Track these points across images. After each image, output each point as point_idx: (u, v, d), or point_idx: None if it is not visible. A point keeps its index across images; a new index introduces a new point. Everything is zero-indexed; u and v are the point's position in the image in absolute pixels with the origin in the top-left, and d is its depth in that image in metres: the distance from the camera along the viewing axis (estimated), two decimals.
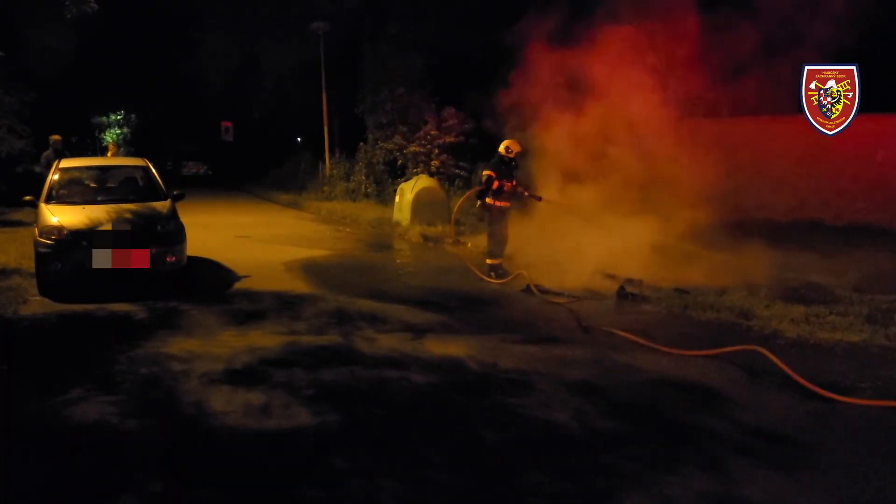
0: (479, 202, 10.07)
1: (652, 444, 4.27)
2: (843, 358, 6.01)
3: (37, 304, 7.91)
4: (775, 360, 5.54)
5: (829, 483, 3.77)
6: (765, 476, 3.83)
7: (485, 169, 10.00)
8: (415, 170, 19.78)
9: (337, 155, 24.00)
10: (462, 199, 10.11)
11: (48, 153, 12.18)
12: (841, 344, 6.34)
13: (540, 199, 10.04)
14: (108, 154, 13.38)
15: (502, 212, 9.83)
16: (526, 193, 10.06)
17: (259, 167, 34.57)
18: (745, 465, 3.96)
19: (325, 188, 22.84)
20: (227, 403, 4.88)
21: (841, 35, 7.86)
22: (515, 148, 9.79)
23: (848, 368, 5.68)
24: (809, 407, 4.86)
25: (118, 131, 36.48)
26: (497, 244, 9.91)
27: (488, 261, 9.97)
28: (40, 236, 8.32)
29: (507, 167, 9.75)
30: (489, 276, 9.74)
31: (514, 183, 9.83)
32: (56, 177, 9.49)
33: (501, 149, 9.85)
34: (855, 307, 7.41)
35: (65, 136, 13.28)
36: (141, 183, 9.94)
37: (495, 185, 9.64)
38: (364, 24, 22.56)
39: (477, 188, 9.98)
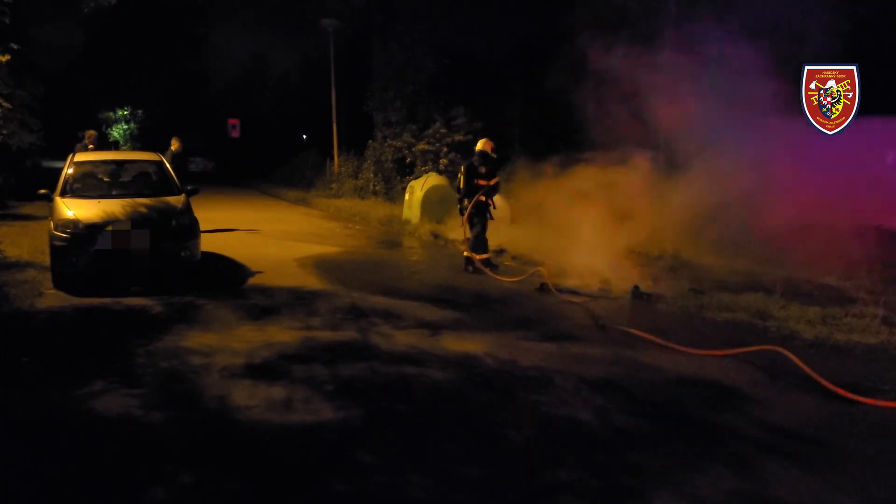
0: (466, 200, 10.23)
1: (677, 443, 4.26)
2: (862, 360, 6.00)
3: (52, 298, 7.92)
4: (797, 361, 5.53)
5: (858, 483, 3.76)
6: (793, 475, 3.82)
7: (484, 167, 10.18)
8: (423, 168, 19.77)
9: (345, 152, 24.01)
10: (474, 201, 10.16)
11: (81, 146, 12.37)
12: (860, 345, 6.32)
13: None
14: (172, 148, 13.45)
15: (487, 207, 10.26)
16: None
17: (266, 164, 34.61)
18: (773, 464, 3.95)
19: (334, 185, 22.85)
20: (249, 398, 4.88)
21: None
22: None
23: (869, 370, 5.67)
24: (833, 408, 4.86)
25: (125, 127, 36.50)
26: (485, 239, 10.25)
27: (479, 255, 10.16)
28: (55, 230, 8.32)
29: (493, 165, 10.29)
30: (486, 270, 9.96)
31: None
32: (71, 171, 9.49)
33: (487, 148, 10.28)
34: (869, 308, 7.40)
35: (73, 131, 13.35)
36: (155, 178, 9.95)
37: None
38: (373, 21, 22.57)
39: (485, 191, 10.14)
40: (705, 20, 9.07)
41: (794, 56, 8.79)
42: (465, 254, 10.28)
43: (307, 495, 3.63)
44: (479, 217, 10.18)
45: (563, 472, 3.87)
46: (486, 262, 10.12)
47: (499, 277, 9.63)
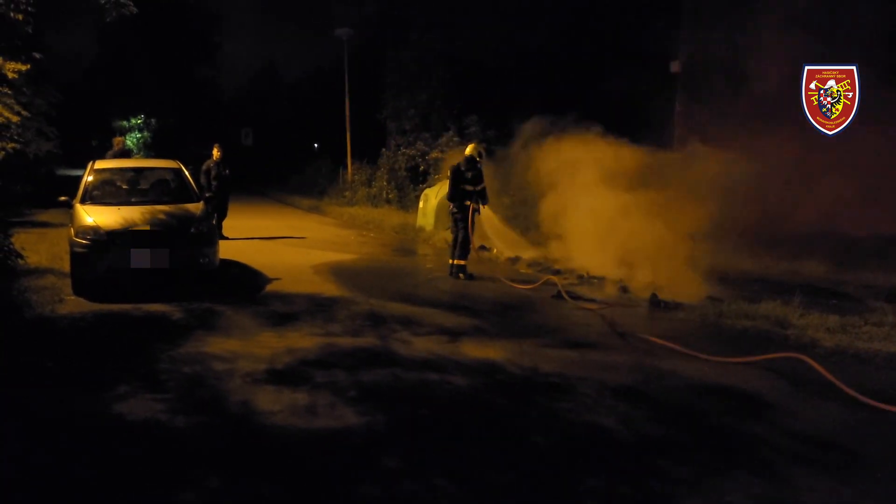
0: (454, 206, 10.26)
1: (704, 450, 4.25)
2: (885, 368, 5.96)
3: (73, 304, 7.98)
4: (820, 368, 5.50)
5: (889, 492, 3.74)
6: (822, 483, 3.80)
7: (471, 172, 10.16)
8: (436, 176, 19.82)
9: (358, 160, 24.12)
10: (461, 206, 10.20)
11: (110, 154, 12.82)
12: (881, 353, 6.28)
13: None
14: (214, 157, 13.79)
15: (475, 213, 10.23)
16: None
17: (278, 172, 34.75)
18: (801, 472, 3.93)
19: (347, 193, 22.96)
20: (273, 403, 4.90)
21: None
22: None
23: (892, 378, 5.63)
24: (858, 416, 4.83)
25: (138, 135, 36.74)
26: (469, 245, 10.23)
27: (459, 261, 10.14)
28: (76, 236, 8.39)
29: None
30: (458, 277, 10.03)
31: None
32: (91, 178, 9.58)
33: (475, 153, 10.24)
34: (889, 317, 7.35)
35: (87, 139, 13.64)
36: (174, 185, 10.03)
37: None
38: (387, 30, 22.71)
39: (472, 197, 10.20)
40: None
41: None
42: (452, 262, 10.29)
43: (336, 500, 3.63)
44: (464, 222, 10.12)
45: (591, 478, 3.86)
46: (462, 269, 10.12)
47: (515, 283, 9.62)
